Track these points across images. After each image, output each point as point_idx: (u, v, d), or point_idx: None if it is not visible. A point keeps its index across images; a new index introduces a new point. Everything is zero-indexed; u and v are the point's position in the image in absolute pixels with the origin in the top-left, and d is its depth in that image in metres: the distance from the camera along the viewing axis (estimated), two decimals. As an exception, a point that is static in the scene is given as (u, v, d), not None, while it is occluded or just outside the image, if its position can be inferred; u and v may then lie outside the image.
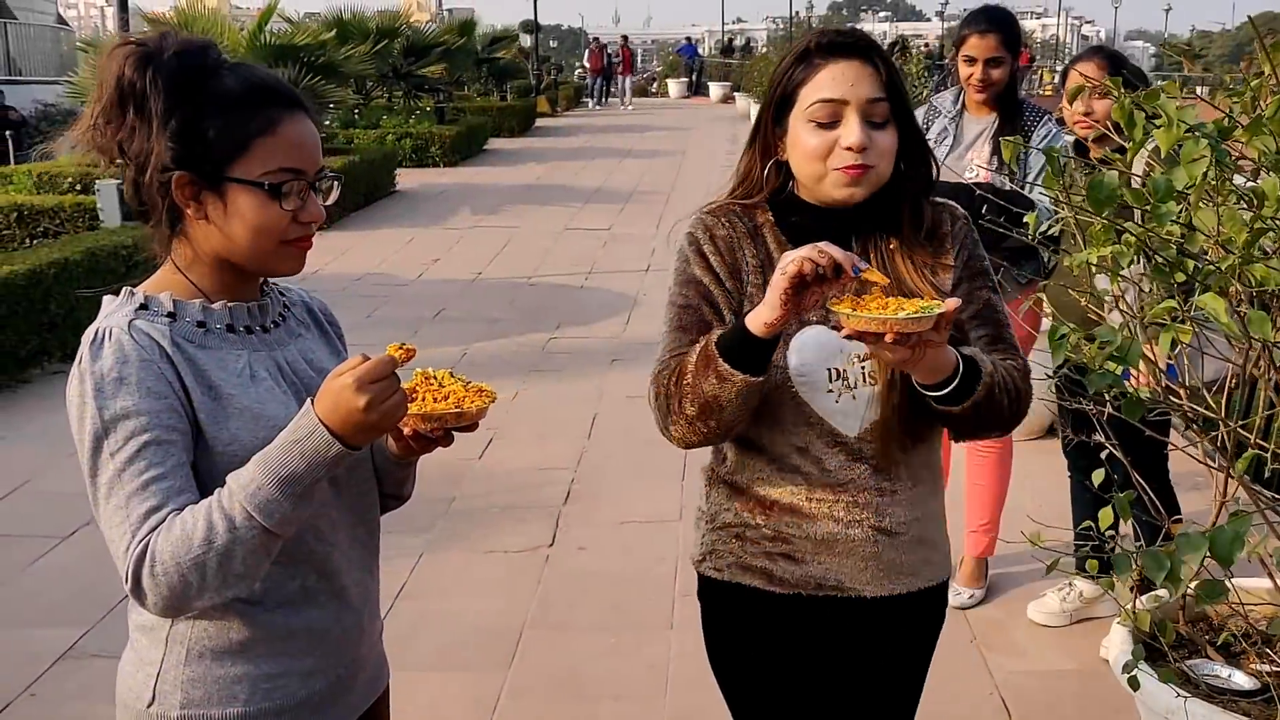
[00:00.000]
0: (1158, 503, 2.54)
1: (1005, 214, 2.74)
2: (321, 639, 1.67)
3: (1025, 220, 2.48)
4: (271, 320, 1.69)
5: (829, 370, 1.89)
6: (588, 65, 37.63)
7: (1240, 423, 2.30)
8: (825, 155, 1.85)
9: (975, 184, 3.67)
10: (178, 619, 1.58)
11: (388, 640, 1.90)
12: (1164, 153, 1.91)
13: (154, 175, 1.55)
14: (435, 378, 1.60)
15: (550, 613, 4.10)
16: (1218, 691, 2.40)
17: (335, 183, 1.65)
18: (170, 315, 1.58)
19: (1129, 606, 2.49)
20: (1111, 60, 3.70)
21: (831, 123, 1.84)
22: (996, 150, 3.88)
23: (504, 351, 7.64)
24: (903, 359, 1.69)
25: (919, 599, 2.03)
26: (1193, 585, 1.92)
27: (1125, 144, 2.07)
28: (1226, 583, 2.00)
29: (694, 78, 40.44)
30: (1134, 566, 1.96)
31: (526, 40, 32.03)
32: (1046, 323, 2.81)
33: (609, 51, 37.31)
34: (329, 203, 1.65)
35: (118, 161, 1.58)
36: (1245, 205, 1.99)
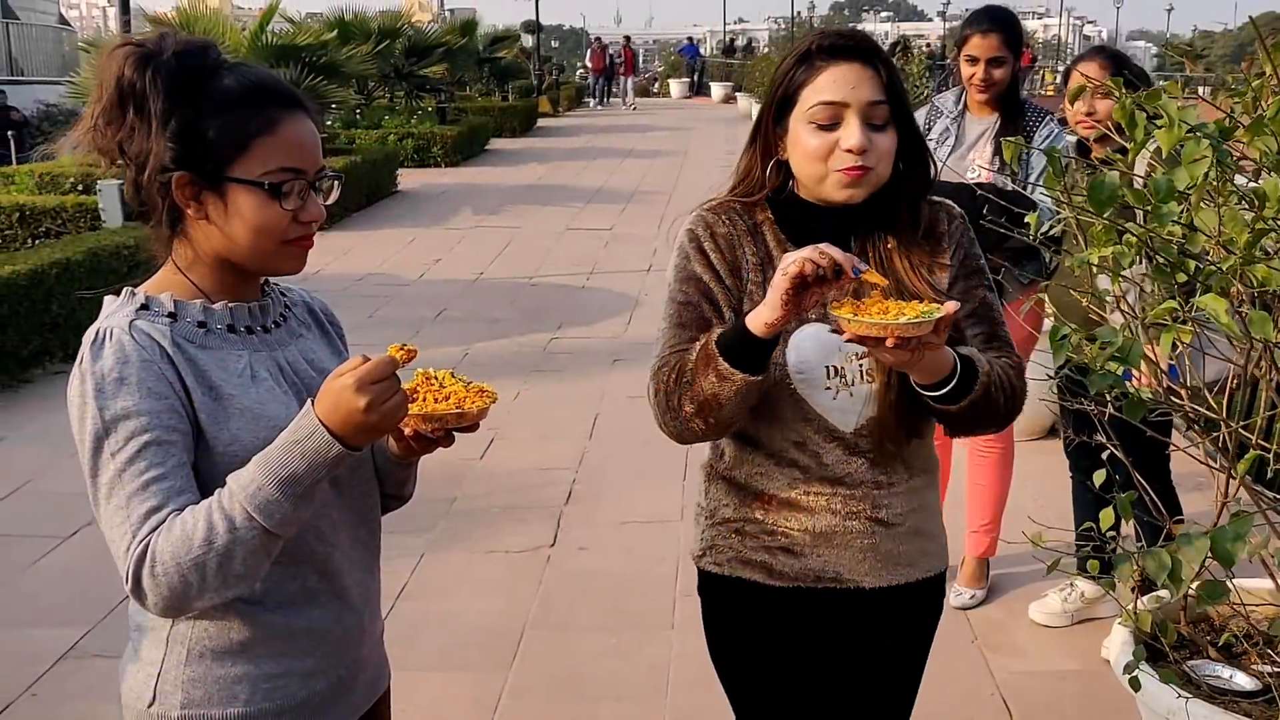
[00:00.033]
0: (1159, 503, 2.54)
1: (1007, 214, 2.74)
2: (322, 639, 1.67)
3: (1026, 221, 2.48)
4: (272, 320, 1.69)
5: (827, 368, 1.92)
6: (590, 65, 37.65)
7: (1242, 423, 2.30)
8: (825, 156, 1.87)
9: (977, 184, 3.67)
10: (178, 619, 1.58)
11: (389, 640, 1.90)
12: (1165, 153, 1.91)
13: (154, 175, 1.55)
14: (436, 378, 1.60)
15: (551, 613, 4.10)
16: (1219, 692, 2.40)
17: (335, 182, 1.65)
18: (171, 315, 1.58)
19: (1130, 607, 2.49)
20: (1114, 60, 3.69)
21: (832, 124, 1.86)
22: (998, 151, 3.88)
23: (505, 352, 7.64)
24: (903, 361, 1.72)
25: (917, 589, 2.06)
26: (1194, 586, 1.92)
27: (1127, 144, 2.07)
28: (1228, 583, 1.99)
29: (695, 78, 40.44)
30: (1135, 567, 1.96)
31: (528, 40, 32.05)
32: (1048, 323, 2.81)
33: (611, 52, 37.32)
34: (329, 202, 1.65)
35: (118, 162, 1.58)
36: (1247, 206, 1.99)
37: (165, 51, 1.54)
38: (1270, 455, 2.16)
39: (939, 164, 3.88)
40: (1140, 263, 2.12)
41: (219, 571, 1.45)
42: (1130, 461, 2.52)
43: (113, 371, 1.49)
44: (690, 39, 51.20)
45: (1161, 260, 2.04)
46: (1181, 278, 2.05)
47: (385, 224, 12.92)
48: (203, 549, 1.44)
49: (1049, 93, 30.10)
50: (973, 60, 3.92)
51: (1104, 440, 2.49)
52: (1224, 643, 2.56)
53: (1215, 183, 1.93)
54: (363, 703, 1.78)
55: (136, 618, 1.64)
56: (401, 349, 1.49)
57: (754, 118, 2.03)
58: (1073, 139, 3.84)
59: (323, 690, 1.67)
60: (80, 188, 11.51)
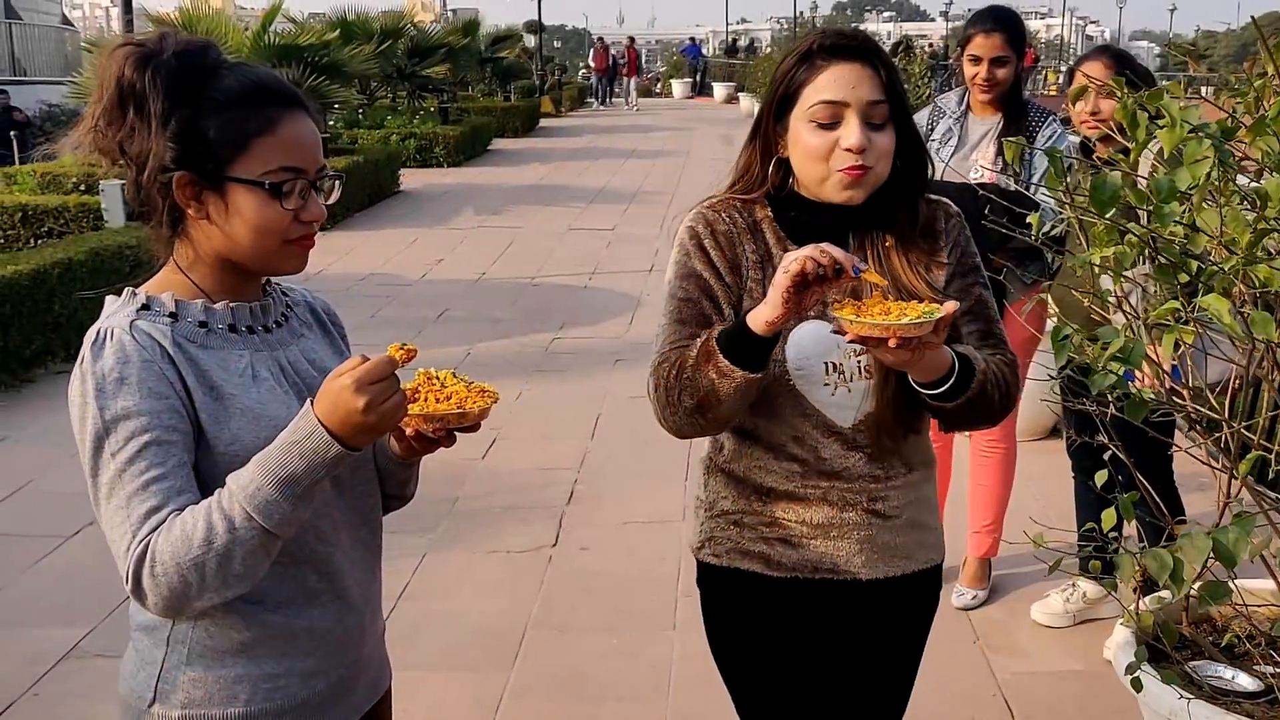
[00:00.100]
0: (1161, 504, 2.53)
1: (1009, 215, 2.74)
2: (323, 640, 1.66)
3: (1029, 221, 2.48)
4: (274, 320, 1.69)
5: (825, 364, 1.94)
6: (592, 65, 37.65)
7: (1244, 424, 2.30)
8: (825, 155, 1.89)
9: (980, 185, 3.67)
10: (179, 619, 1.58)
11: (391, 640, 1.90)
12: (1167, 153, 1.91)
13: (154, 175, 1.55)
14: (438, 378, 1.60)
15: (553, 613, 4.10)
16: (1221, 693, 2.40)
17: (336, 182, 1.65)
18: (172, 315, 1.58)
19: (1132, 608, 2.49)
20: (1118, 59, 3.68)
21: (832, 123, 1.88)
22: (1001, 151, 3.87)
23: (507, 352, 7.64)
24: (903, 361, 1.75)
25: (914, 581, 2.08)
26: (1196, 586, 1.92)
27: (1129, 144, 2.07)
28: (1230, 584, 1.99)
29: (698, 78, 40.45)
30: (1137, 567, 1.96)
31: (531, 40, 32.04)
32: (1051, 323, 2.81)
33: (614, 52, 37.32)
34: (330, 202, 1.65)
35: (119, 162, 1.58)
36: (1249, 206, 1.99)
37: (165, 51, 1.54)
38: (1272, 456, 2.16)
39: (942, 165, 3.88)
40: (1142, 263, 2.11)
41: (218, 572, 1.45)
42: (1132, 462, 2.52)
43: (113, 371, 1.49)
44: (693, 39, 51.21)
45: (1164, 260, 2.04)
46: (1184, 278, 2.04)
47: (387, 224, 12.93)
48: (202, 549, 1.44)
49: (1052, 93, 30.09)
50: (976, 60, 3.91)
51: (1106, 441, 2.49)
52: (1226, 643, 2.55)
53: (1217, 183, 1.93)
54: (364, 703, 1.78)
55: (137, 617, 1.64)
56: (401, 349, 1.49)
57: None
58: (1076, 139, 3.83)
59: (323, 690, 1.67)
60: (83, 188, 11.51)
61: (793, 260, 1.69)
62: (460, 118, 20.79)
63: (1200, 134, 1.85)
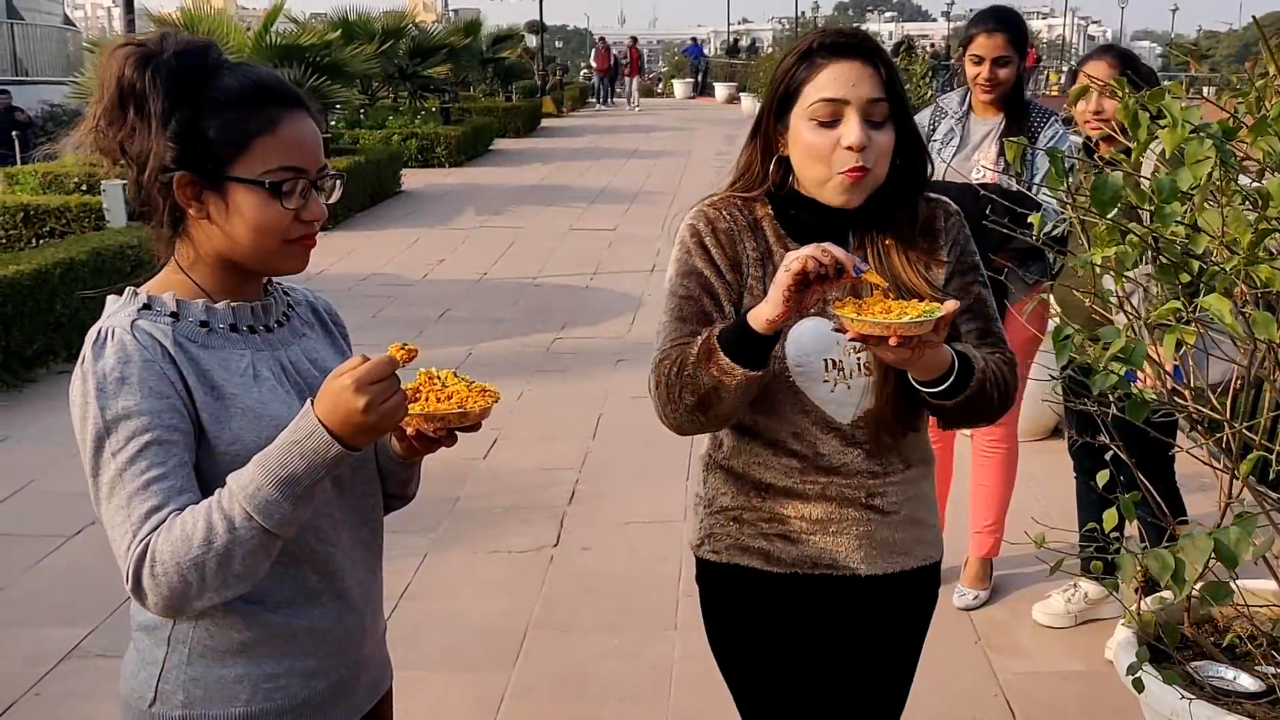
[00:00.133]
0: (1163, 504, 2.53)
1: (1011, 215, 2.74)
2: (324, 639, 1.66)
3: (1030, 221, 2.48)
4: (275, 320, 1.69)
5: (825, 361, 1.95)
6: (594, 65, 37.64)
7: (1246, 424, 2.30)
8: (826, 154, 1.89)
9: (981, 185, 3.67)
10: (180, 619, 1.58)
11: (392, 640, 1.90)
12: (1168, 153, 1.91)
13: (155, 175, 1.55)
14: (439, 378, 1.61)
15: (554, 613, 4.10)
16: (1223, 693, 2.39)
17: (337, 181, 1.65)
18: (173, 315, 1.58)
19: (1134, 608, 2.48)
20: (1122, 59, 3.68)
21: (832, 121, 1.89)
22: (1003, 151, 3.87)
23: (509, 352, 7.65)
24: (904, 359, 1.75)
25: (912, 578, 2.09)
26: (1198, 587, 1.92)
27: (1131, 144, 2.07)
28: (1232, 584, 1.99)
29: (699, 78, 40.44)
30: (1139, 568, 1.96)
31: (532, 41, 32.06)
32: (1052, 323, 2.81)
33: (616, 52, 37.31)
34: (331, 201, 1.65)
35: (120, 162, 1.58)
36: (1250, 206, 1.99)
37: (165, 51, 1.54)
38: (1274, 456, 2.16)
39: (944, 165, 3.88)
40: (1144, 263, 2.11)
41: (218, 571, 1.45)
42: (1134, 462, 2.52)
43: (114, 371, 1.49)
44: (694, 39, 51.17)
45: (1165, 261, 2.03)
46: (1185, 278, 2.04)
47: (389, 224, 12.93)
48: (202, 549, 1.44)
49: (1053, 93, 30.08)
50: (978, 60, 3.91)
51: (1108, 441, 2.49)
52: (1228, 644, 2.55)
53: (1219, 183, 1.93)
54: (365, 703, 1.78)
55: (138, 617, 1.64)
56: (402, 349, 1.49)
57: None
58: (1078, 139, 3.83)
59: (324, 690, 1.67)
60: (84, 188, 11.53)
61: (794, 259, 1.70)
62: (462, 118, 20.80)
63: (1202, 134, 1.84)
